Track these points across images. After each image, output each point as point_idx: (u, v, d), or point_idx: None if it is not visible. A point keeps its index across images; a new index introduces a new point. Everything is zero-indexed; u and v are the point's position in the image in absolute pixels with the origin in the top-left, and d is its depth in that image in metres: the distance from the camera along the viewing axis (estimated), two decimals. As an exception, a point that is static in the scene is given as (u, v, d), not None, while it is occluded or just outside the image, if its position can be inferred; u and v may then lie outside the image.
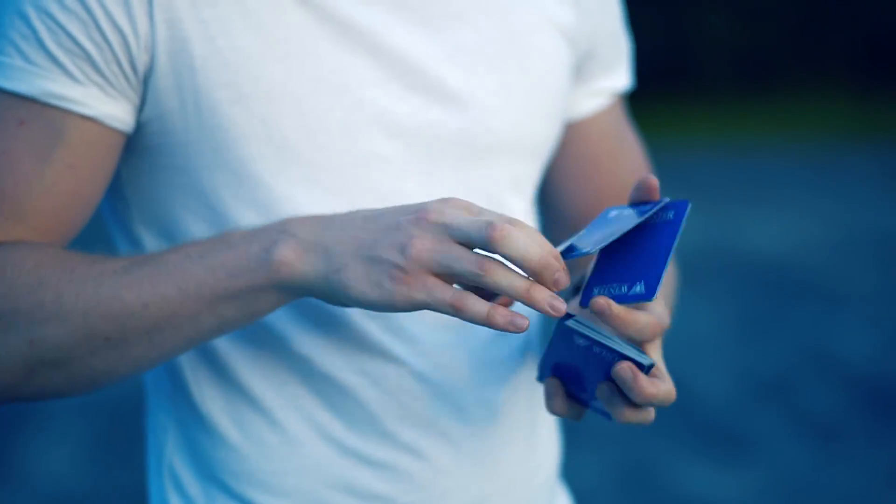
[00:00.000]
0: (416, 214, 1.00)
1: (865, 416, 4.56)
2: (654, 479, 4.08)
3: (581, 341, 1.04)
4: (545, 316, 1.02)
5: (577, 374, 1.07)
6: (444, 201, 1.00)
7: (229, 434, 1.18)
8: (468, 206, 1.00)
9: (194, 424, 1.20)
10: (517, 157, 1.22)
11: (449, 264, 0.98)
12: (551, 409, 1.10)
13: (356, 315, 1.16)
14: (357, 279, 1.01)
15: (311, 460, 1.18)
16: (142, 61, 1.09)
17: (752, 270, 6.54)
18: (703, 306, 5.69)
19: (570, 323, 1.04)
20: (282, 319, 1.16)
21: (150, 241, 1.17)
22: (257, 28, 1.11)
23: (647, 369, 1.02)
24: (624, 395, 1.04)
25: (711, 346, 5.34)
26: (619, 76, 1.35)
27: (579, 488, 1.84)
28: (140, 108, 1.11)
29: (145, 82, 1.10)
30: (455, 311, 0.99)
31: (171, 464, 1.22)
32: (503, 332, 1.22)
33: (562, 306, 0.98)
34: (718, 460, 4.19)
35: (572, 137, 1.33)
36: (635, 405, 1.04)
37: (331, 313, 1.16)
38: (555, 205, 1.37)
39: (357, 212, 1.05)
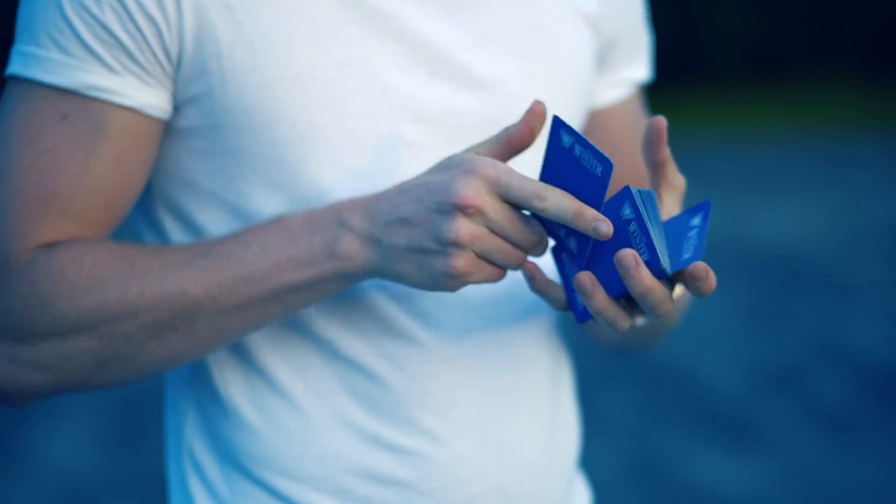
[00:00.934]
0: (461, 178, 1.02)
1: (877, 406, 4.55)
2: (666, 468, 4.08)
3: (628, 212, 1.00)
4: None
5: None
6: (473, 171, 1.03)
7: (249, 418, 1.18)
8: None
9: (214, 408, 1.20)
10: (541, 142, 1.23)
11: (491, 251, 1.04)
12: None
13: (380, 299, 1.16)
14: (410, 273, 1.06)
15: (332, 446, 1.18)
16: (173, 49, 1.10)
17: (763, 261, 6.53)
18: (713, 297, 5.68)
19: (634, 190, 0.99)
20: (304, 304, 1.17)
21: (173, 227, 1.17)
22: (283, 13, 1.11)
23: (662, 273, 0.99)
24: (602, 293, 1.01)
25: (723, 337, 5.33)
26: (640, 67, 1.35)
27: (592, 478, 1.84)
28: (174, 95, 1.12)
29: (177, 69, 1.11)
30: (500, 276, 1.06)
31: (190, 448, 1.22)
32: (527, 317, 1.23)
33: (608, 229, 0.99)
34: (730, 450, 4.20)
35: (594, 126, 1.33)
36: (618, 306, 1.02)
37: (355, 298, 1.16)
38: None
39: (399, 189, 1.07)
